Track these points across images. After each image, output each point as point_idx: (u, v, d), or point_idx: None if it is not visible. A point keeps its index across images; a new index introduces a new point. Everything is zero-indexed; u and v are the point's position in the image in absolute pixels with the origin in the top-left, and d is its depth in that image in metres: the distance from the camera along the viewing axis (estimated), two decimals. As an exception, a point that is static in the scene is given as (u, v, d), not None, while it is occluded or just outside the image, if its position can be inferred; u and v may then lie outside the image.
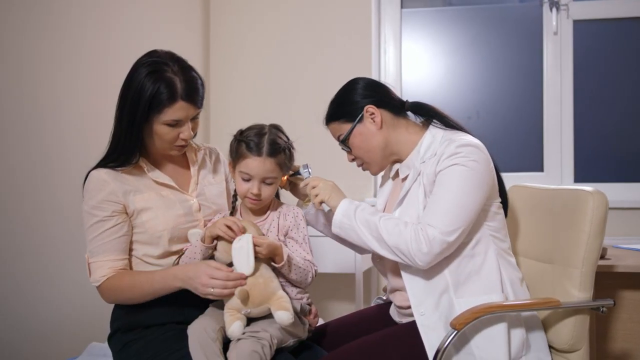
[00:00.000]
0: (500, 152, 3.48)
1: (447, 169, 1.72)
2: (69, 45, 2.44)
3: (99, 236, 1.79)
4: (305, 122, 3.41)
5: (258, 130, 1.83)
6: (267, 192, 1.81)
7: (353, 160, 1.96)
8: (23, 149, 2.22)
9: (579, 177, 3.31)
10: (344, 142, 1.91)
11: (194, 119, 1.85)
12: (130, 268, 1.83)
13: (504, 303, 1.70)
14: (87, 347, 2.14)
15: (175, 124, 1.79)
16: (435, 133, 1.86)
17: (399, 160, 1.92)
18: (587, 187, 1.81)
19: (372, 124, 1.87)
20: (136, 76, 1.77)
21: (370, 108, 1.86)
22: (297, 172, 1.95)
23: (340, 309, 3.17)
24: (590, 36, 3.31)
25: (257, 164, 1.78)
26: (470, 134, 1.84)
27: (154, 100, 1.74)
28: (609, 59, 3.33)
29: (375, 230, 1.72)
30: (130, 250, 1.84)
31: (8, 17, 2.18)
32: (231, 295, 1.67)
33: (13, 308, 2.17)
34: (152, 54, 1.82)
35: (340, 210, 1.80)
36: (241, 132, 1.85)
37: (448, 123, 1.88)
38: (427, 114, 1.92)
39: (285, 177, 1.94)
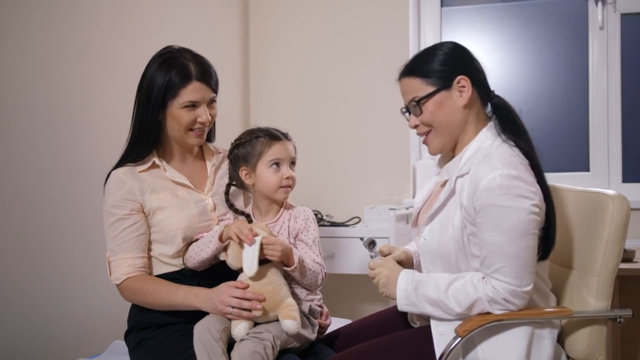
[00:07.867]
0: (545, 151, 3.38)
1: (493, 209, 1.54)
2: (93, 44, 2.47)
3: (118, 235, 1.85)
4: (346, 123, 3.45)
5: (255, 129, 1.88)
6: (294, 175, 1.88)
7: (416, 126, 1.71)
8: (35, 150, 2.25)
9: (628, 177, 3.16)
10: (418, 103, 1.65)
11: (211, 103, 1.89)
12: (150, 267, 1.88)
13: (512, 311, 1.64)
14: (110, 345, 2.20)
15: (192, 105, 1.84)
16: (484, 139, 1.66)
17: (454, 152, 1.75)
18: (609, 190, 1.73)
19: (459, 97, 1.64)
20: (149, 69, 1.86)
21: (463, 80, 1.64)
22: (364, 242, 1.90)
23: (372, 311, 3.14)
24: (639, 30, 3.15)
25: (284, 148, 1.85)
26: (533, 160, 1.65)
27: (168, 85, 1.81)
28: (659, 54, 3.16)
29: (446, 308, 1.64)
30: (149, 249, 1.89)
31: (18, 16, 2.20)
32: (250, 317, 1.69)
33: (38, 307, 2.24)
34: (165, 49, 1.90)
35: (401, 299, 1.71)
36: (240, 139, 1.89)
37: (518, 142, 1.63)
38: (507, 122, 1.67)
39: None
